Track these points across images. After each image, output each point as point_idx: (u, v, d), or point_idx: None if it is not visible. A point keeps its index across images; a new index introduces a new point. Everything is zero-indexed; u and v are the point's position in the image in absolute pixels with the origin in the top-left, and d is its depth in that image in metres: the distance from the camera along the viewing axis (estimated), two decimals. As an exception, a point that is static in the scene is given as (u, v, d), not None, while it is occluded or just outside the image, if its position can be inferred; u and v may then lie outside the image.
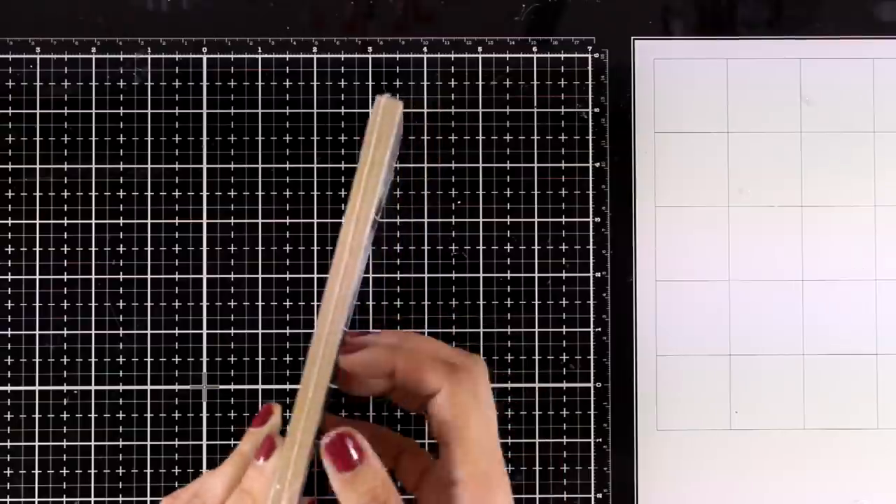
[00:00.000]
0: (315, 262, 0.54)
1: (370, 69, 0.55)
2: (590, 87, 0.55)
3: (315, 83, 0.55)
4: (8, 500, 0.53)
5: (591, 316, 0.55)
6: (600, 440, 0.55)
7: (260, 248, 0.54)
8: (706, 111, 0.56)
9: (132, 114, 0.55)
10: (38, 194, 0.54)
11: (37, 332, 0.54)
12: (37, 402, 0.54)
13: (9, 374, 0.54)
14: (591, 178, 0.55)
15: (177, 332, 0.54)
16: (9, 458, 0.54)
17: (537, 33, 0.56)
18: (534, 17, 0.56)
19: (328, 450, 0.38)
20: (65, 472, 0.54)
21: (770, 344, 0.55)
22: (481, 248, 0.55)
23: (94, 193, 0.54)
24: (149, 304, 0.54)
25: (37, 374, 0.54)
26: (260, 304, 0.54)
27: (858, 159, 0.56)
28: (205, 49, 0.55)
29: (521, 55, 0.55)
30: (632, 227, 0.55)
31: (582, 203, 0.55)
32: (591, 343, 0.55)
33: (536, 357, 0.55)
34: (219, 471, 0.43)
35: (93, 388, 0.54)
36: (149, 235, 0.54)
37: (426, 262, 0.55)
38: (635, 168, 0.55)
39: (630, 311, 0.55)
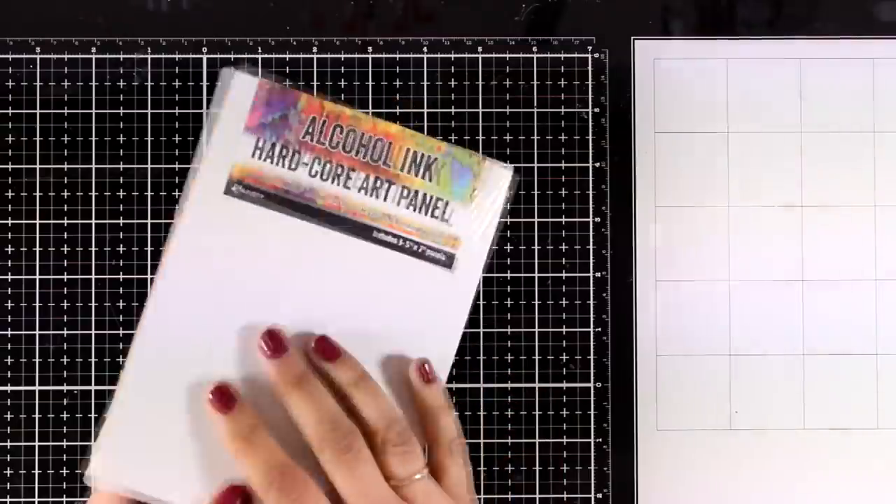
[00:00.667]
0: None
1: (370, 69, 0.55)
2: (590, 87, 0.55)
3: (315, 83, 0.55)
4: (8, 500, 0.53)
5: (591, 316, 0.55)
6: (600, 440, 0.55)
7: (260, 248, 0.54)
8: (706, 111, 0.56)
9: (132, 114, 0.55)
10: (38, 194, 0.54)
11: (37, 332, 0.54)
12: (37, 402, 0.54)
13: (9, 374, 0.54)
14: (591, 178, 0.55)
15: (177, 332, 0.54)
16: (9, 458, 0.54)
17: (537, 33, 0.56)
18: (534, 17, 0.56)
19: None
20: (65, 472, 0.54)
21: (770, 344, 0.55)
22: (481, 248, 0.55)
23: (94, 193, 0.54)
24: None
25: (37, 374, 0.54)
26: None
27: (858, 159, 0.56)
28: (205, 49, 0.55)
29: (521, 55, 0.55)
30: (632, 227, 0.55)
31: (582, 203, 0.55)
32: (591, 343, 0.55)
33: (536, 357, 0.55)
34: None
35: (93, 388, 0.54)
36: (149, 235, 0.54)
37: (426, 262, 0.55)
38: (635, 168, 0.55)
39: (630, 311, 0.55)
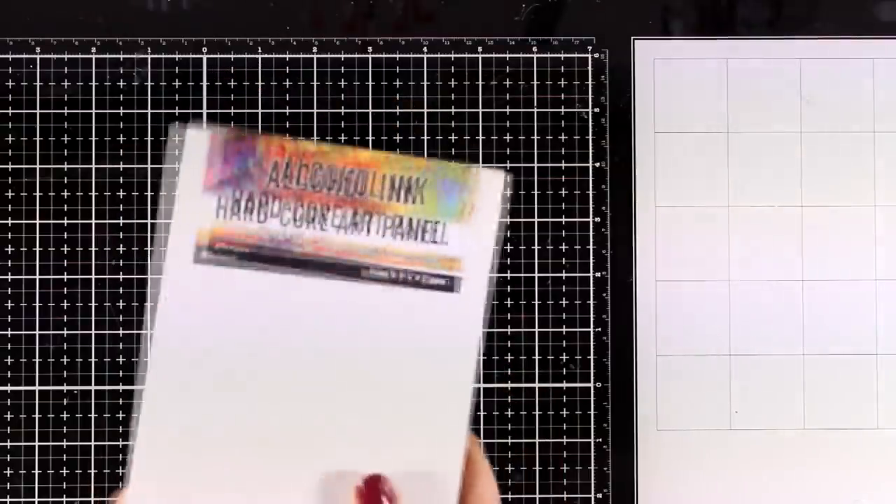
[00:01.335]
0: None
1: (370, 69, 0.55)
2: (590, 87, 0.55)
3: (315, 83, 0.55)
4: (8, 500, 0.53)
5: (591, 316, 0.55)
6: (600, 440, 0.55)
7: (260, 248, 0.54)
8: (706, 111, 0.56)
9: (132, 114, 0.55)
10: (38, 194, 0.54)
11: (37, 332, 0.54)
12: (37, 402, 0.54)
13: (9, 374, 0.54)
14: (591, 178, 0.55)
15: (177, 332, 0.54)
16: (9, 458, 0.54)
17: (537, 33, 0.56)
18: (534, 17, 0.56)
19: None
20: (65, 472, 0.54)
21: (770, 344, 0.55)
22: (481, 248, 0.55)
23: (94, 193, 0.54)
24: (148, 303, 0.54)
25: (37, 374, 0.54)
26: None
27: (858, 159, 0.56)
28: (205, 49, 0.55)
29: (521, 55, 0.55)
30: (632, 227, 0.55)
31: (582, 203, 0.55)
32: (591, 343, 0.55)
33: (536, 357, 0.55)
34: None
35: (93, 388, 0.54)
36: (148, 235, 0.54)
37: (426, 262, 0.55)
38: (635, 168, 0.55)
39: (630, 311, 0.55)
